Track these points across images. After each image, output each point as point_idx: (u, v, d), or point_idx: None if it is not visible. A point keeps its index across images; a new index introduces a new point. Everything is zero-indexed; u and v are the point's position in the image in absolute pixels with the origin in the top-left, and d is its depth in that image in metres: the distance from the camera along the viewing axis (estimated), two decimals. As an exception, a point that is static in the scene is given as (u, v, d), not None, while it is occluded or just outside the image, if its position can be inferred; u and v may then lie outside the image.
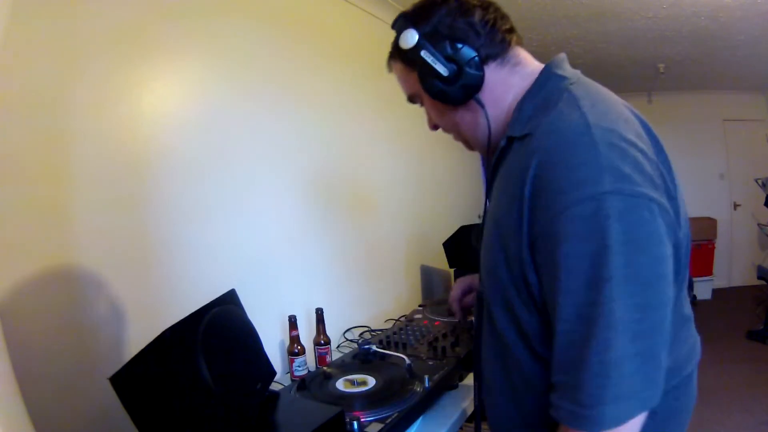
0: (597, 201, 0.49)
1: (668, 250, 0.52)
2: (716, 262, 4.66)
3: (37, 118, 0.93)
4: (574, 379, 0.51)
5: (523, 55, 0.70)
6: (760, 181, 4.29)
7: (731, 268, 4.96)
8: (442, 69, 0.64)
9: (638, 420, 0.52)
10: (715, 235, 4.60)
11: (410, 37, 0.65)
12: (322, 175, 1.77)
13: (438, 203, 2.76)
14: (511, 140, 0.64)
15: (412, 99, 0.77)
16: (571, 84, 0.62)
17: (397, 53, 0.71)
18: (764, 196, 4.18)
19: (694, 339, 0.71)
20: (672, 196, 0.58)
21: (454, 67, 0.64)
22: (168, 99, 1.22)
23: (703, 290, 4.48)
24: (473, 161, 3.42)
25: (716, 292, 4.65)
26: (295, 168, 1.64)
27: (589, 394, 0.50)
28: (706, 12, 2.59)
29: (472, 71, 0.64)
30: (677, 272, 0.58)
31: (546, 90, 0.64)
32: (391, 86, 0.84)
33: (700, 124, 4.85)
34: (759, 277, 3.90)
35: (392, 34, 0.71)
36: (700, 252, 4.52)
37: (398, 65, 0.73)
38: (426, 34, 0.65)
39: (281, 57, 1.60)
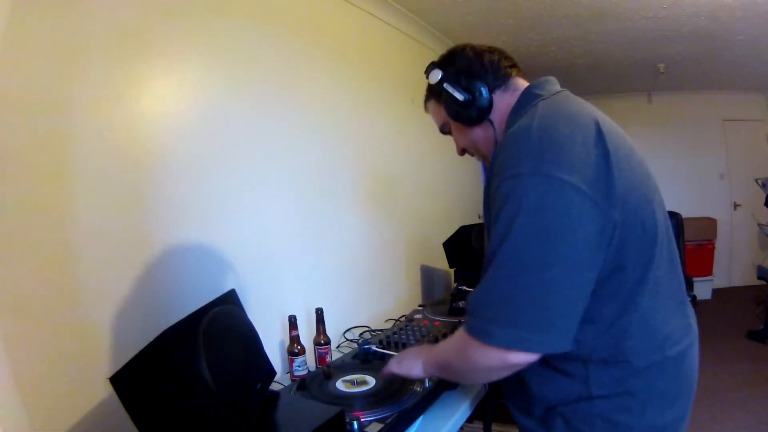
0: (517, 178, 0.67)
1: (576, 223, 0.66)
2: (716, 262, 4.66)
3: (37, 118, 0.93)
4: (479, 301, 0.71)
5: (521, 82, 0.90)
6: (760, 181, 4.29)
7: (731, 268, 4.96)
8: (459, 96, 0.86)
9: (524, 356, 0.68)
10: (715, 235, 4.59)
11: (436, 75, 0.89)
12: (322, 175, 1.77)
13: (438, 203, 2.76)
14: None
15: (442, 129, 1.00)
16: (542, 100, 0.79)
17: (429, 91, 0.97)
18: (764, 196, 4.17)
19: (681, 321, 0.80)
20: (611, 186, 0.69)
21: (469, 95, 0.86)
22: (168, 99, 1.22)
23: (703, 290, 4.48)
24: (473, 162, 3.41)
25: (716, 292, 4.64)
26: (296, 168, 1.64)
27: (485, 314, 0.69)
28: (706, 12, 2.59)
29: (482, 97, 0.86)
30: (641, 252, 0.72)
31: (522, 106, 0.83)
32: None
33: (700, 124, 4.85)
34: (759, 277, 3.89)
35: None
36: (700, 252, 4.52)
37: (431, 103, 0.98)
38: (448, 72, 0.89)
39: (281, 57, 1.60)
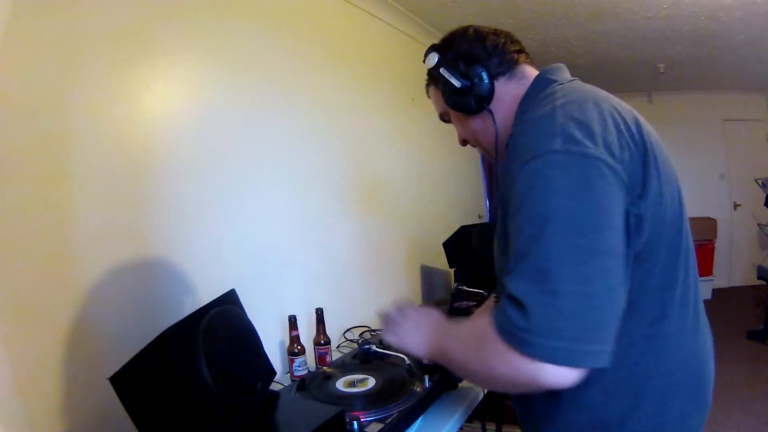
0: (545, 156, 0.58)
1: (615, 205, 0.58)
2: (716, 262, 4.65)
3: (37, 118, 0.93)
4: (520, 293, 0.55)
5: (529, 70, 0.81)
6: (760, 181, 4.29)
7: (731, 268, 4.96)
8: (456, 82, 0.78)
9: (565, 373, 0.53)
10: (715, 235, 4.59)
11: (432, 59, 0.81)
12: (322, 174, 1.77)
13: (438, 203, 2.76)
14: (512, 134, 0.73)
15: (442, 117, 0.92)
16: (559, 85, 0.73)
17: (429, 76, 0.87)
18: (764, 196, 4.17)
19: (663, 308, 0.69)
20: (649, 175, 0.63)
21: (467, 82, 0.78)
22: (168, 99, 1.22)
23: (703, 290, 4.45)
24: (473, 162, 3.42)
25: (716, 292, 4.65)
26: (296, 168, 1.64)
27: (524, 313, 0.54)
28: (706, 12, 2.59)
29: (482, 84, 0.78)
30: (659, 247, 0.64)
31: (536, 93, 0.75)
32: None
33: (700, 124, 4.85)
34: (759, 277, 3.89)
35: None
36: (700, 252, 4.51)
37: (432, 88, 0.89)
38: (445, 57, 0.80)
39: (281, 56, 1.60)
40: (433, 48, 0.83)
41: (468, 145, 0.92)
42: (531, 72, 0.81)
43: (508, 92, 0.79)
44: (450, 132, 1.00)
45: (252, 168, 1.45)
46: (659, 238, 0.64)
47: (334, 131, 1.86)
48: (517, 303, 0.55)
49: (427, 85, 0.90)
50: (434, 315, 0.83)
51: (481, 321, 0.62)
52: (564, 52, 3.26)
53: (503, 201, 0.67)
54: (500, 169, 0.72)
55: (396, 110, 2.33)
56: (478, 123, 0.83)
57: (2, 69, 0.87)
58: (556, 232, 0.55)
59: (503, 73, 0.79)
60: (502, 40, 0.80)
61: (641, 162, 0.63)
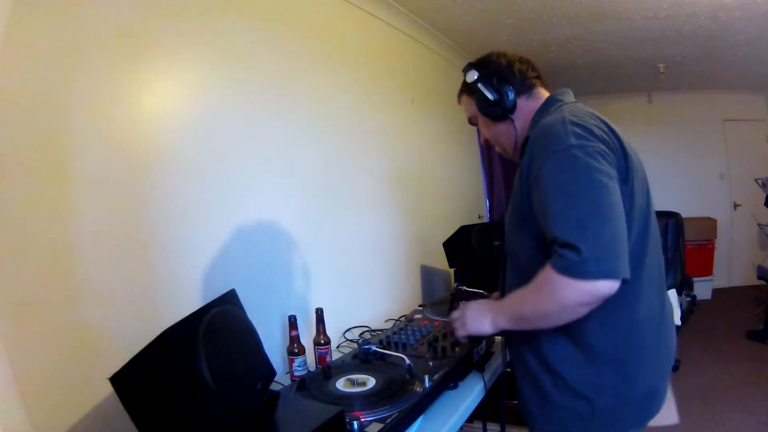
0: (567, 149, 0.82)
1: (613, 176, 0.82)
2: (716, 262, 4.65)
3: (38, 117, 0.93)
4: (570, 238, 0.77)
5: (543, 91, 1.06)
6: (760, 181, 4.29)
7: (731, 268, 4.95)
8: (490, 95, 1.02)
9: (611, 285, 0.77)
10: (715, 235, 4.59)
11: (473, 74, 1.04)
12: (321, 174, 1.77)
13: (438, 203, 2.76)
14: (528, 138, 0.96)
15: (470, 121, 1.14)
16: (564, 105, 0.97)
17: (463, 86, 1.10)
18: (764, 196, 4.17)
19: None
20: (622, 175, 0.87)
21: (498, 96, 1.02)
22: (169, 99, 1.22)
23: (703, 290, 4.48)
24: (473, 162, 3.42)
25: (716, 292, 4.64)
26: (296, 168, 1.64)
27: (576, 251, 0.76)
28: (706, 12, 2.59)
29: (508, 99, 1.02)
30: (630, 227, 0.85)
31: (547, 108, 0.99)
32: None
33: (700, 124, 4.84)
34: (759, 277, 3.89)
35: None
36: (700, 252, 4.52)
37: (464, 97, 1.12)
38: (482, 74, 1.03)
39: (281, 56, 1.60)
40: (472, 65, 1.06)
41: (470, 146, 1.15)
42: (544, 93, 1.05)
43: (526, 107, 1.03)
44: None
45: (252, 168, 1.46)
46: (631, 221, 0.85)
47: (335, 132, 1.86)
48: (569, 246, 0.76)
49: (460, 94, 1.13)
50: (484, 302, 1.05)
51: (539, 277, 0.83)
52: (564, 52, 3.26)
53: (522, 185, 0.90)
54: (521, 162, 0.95)
55: (396, 111, 2.33)
56: (501, 128, 1.06)
57: (2, 69, 0.87)
58: (585, 196, 0.79)
59: (524, 93, 1.03)
60: (525, 67, 1.04)
61: (623, 158, 0.87)
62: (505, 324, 0.95)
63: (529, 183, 0.88)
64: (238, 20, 1.43)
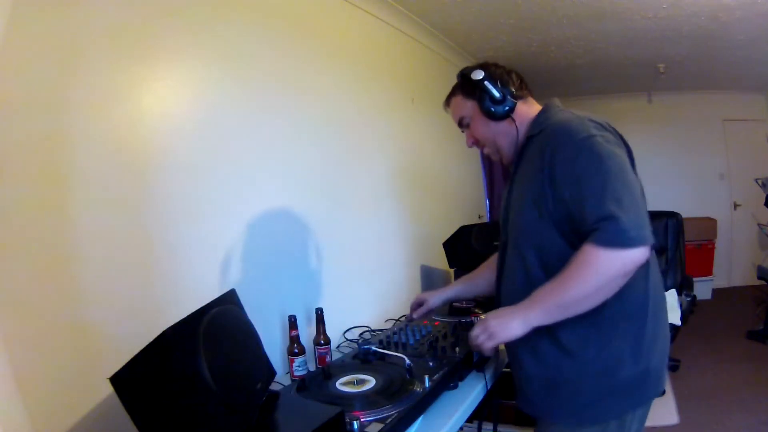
0: (590, 139, 0.92)
1: (628, 162, 0.94)
2: (716, 262, 4.65)
3: (37, 117, 0.93)
4: (610, 214, 0.85)
5: (532, 100, 1.14)
6: (760, 181, 4.29)
7: (731, 268, 4.95)
8: (496, 93, 1.06)
9: (646, 251, 0.86)
10: (715, 235, 4.59)
11: (479, 73, 1.07)
12: (322, 175, 1.77)
13: (438, 203, 2.76)
14: (529, 138, 1.05)
15: (461, 122, 1.16)
16: (562, 110, 1.06)
17: (460, 87, 1.14)
18: (764, 196, 4.17)
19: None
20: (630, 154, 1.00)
21: (502, 95, 1.07)
22: (169, 99, 1.22)
23: (703, 290, 4.47)
24: (473, 162, 3.42)
25: (716, 292, 4.64)
26: (296, 168, 1.64)
27: (617, 224, 0.85)
28: (706, 12, 2.59)
29: (510, 99, 1.08)
30: None
31: (546, 112, 1.08)
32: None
33: (700, 124, 4.84)
34: (759, 277, 3.89)
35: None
36: (700, 252, 4.52)
37: (457, 97, 1.14)
38: (487, 73, 1.08)
39: (281, 56, 1.60)
40: (476, 66, 1.10)
41: (469, 147, 1.18)
42: (534, 102, 1.13)
43: (523, 111, 1.09)
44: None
45: (252, 168, 1.45)
46: None
47: (335, 132, 1.86)
48: (610, 218, 0.85)
49: (451, 96, 1.16)
50: (503, 309, 1.03)
51: (577, 258, 0.89)
52: (564, 52, 3.26)
53: (538, 176, 0.97)
54: (526, 158, 1.04)
55: (396, 111, 2.32)
56: (502, 127, 1.10)
57: (2, 69, 0.87)
58: (615, 175, 0.88)
59: (521, 98, 1.10)
60: (518, 78, 1.12)
61: (627, 152, 0.97)
62: (538, 319, 0.94)
63: (551, 173, 0.94)
64: (238, 20, 1.43)
